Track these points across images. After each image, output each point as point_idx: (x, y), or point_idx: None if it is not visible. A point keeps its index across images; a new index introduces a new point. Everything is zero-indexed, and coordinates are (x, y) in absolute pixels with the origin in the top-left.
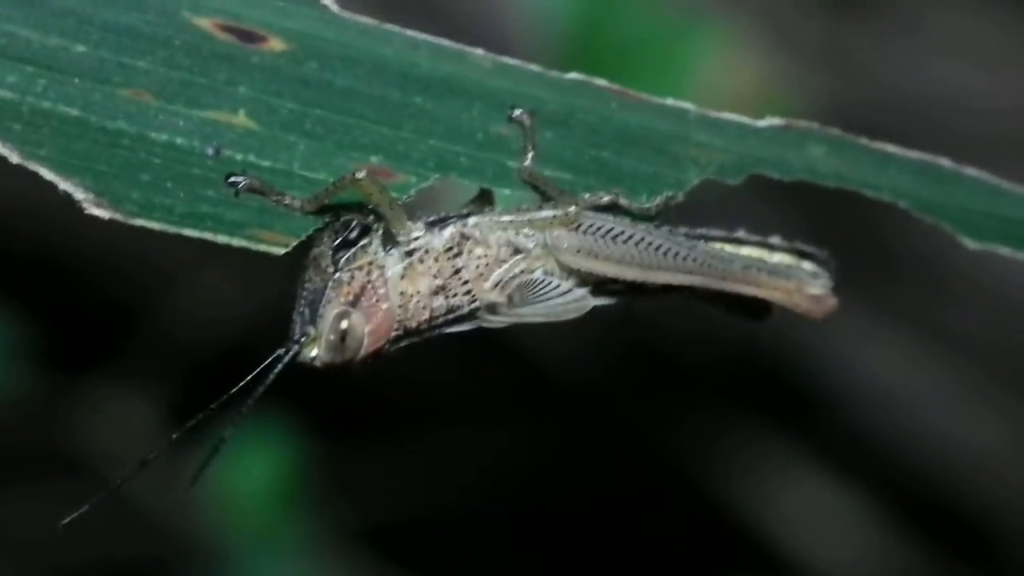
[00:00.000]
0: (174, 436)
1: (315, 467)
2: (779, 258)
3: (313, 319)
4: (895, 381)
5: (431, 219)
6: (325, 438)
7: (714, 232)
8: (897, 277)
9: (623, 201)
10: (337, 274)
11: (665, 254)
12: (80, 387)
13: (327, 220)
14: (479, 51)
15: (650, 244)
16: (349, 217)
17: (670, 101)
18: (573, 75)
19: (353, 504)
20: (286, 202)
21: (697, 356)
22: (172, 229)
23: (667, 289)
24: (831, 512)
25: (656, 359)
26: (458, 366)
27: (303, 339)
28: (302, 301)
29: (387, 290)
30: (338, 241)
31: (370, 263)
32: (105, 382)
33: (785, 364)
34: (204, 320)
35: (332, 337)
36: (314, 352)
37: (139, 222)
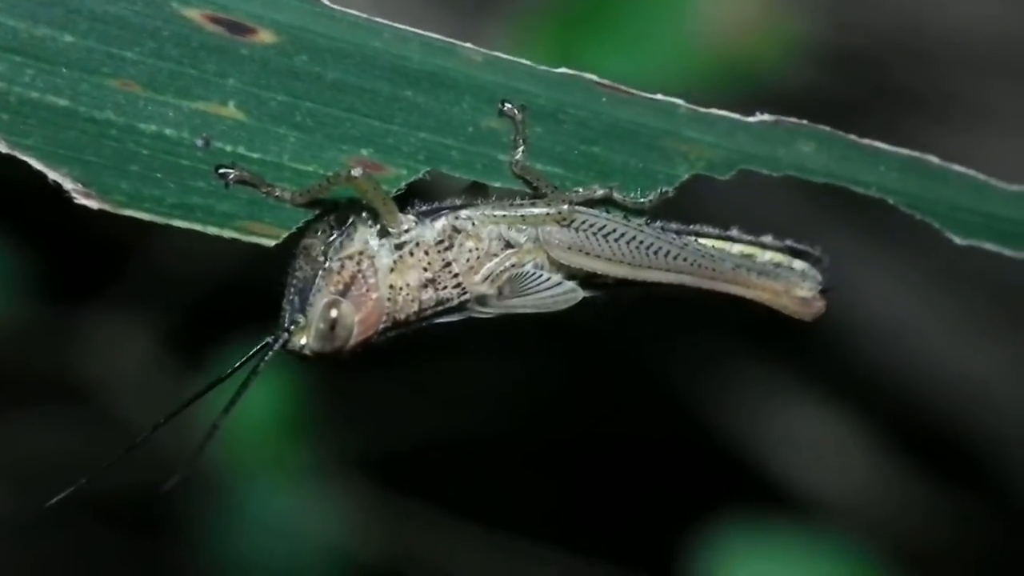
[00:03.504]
0: (160, 422)
1: (318, 397)
2: (770, 256)
3: (303, 308)
4: (896, 310)
5: (423, 208)
6: (328, 367)
7: (707, 229)
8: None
9: (617, 196)
10: (327, 263)
11: (656, 253)
12: (76, 315)
13: (319, 212)
14: (469, 45)
15: (641, 243)
16: (340, 208)
17: (660, 96)
18: (563, 70)
19: (356, 434)
20: (276, 194)
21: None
22: (161, 220)
23: (657, 284)
24: (832, 442)
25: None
26: None
27: (292, 327)
28: (292, 290)
29: (377, 279)
30: (329, 231)
31: (360, 252)
32: (101, 310)
33: None
34: (197, 253)
35: (322, 325)
36: (303, 340)
37: (128, 212)
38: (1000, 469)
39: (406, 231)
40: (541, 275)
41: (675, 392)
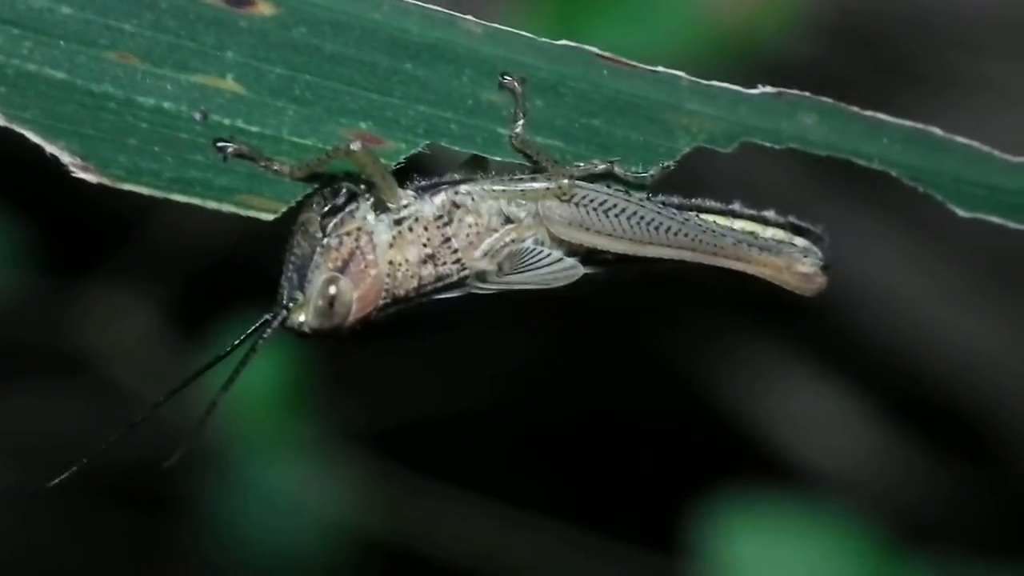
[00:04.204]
0: (161, 400)
1: (319, 370)
2: (772, 232)
3: (301, 285)
4: (896, 282)
5: (422, 183)
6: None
7: (708, 204)
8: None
9: (618, 170)
10: (325, 240)
11: (657, 228)
12: (76, 288)
13: (317, 187)
14: (469, 17)
15: (642, 218)
16: (338, 183)
17: (661, 69)
18: (564, 42)
19: (358, 407)
20: (275, 168)
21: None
22: (160, 194)
23: (658, 260)
24: (832, 415)
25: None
26: None
27: (291, 304)
28: (290, 267)
29: (376, 256)
30: (326, 207)
31: (358, 229)
32: (100, 283)
33: None
34: (198, 226)
35: (320, 303)
36: (302, 318)
37: (127, 186)
38: (1001, 441)
39: (405, 206)
40: (541, 251)
41: (675, 365)
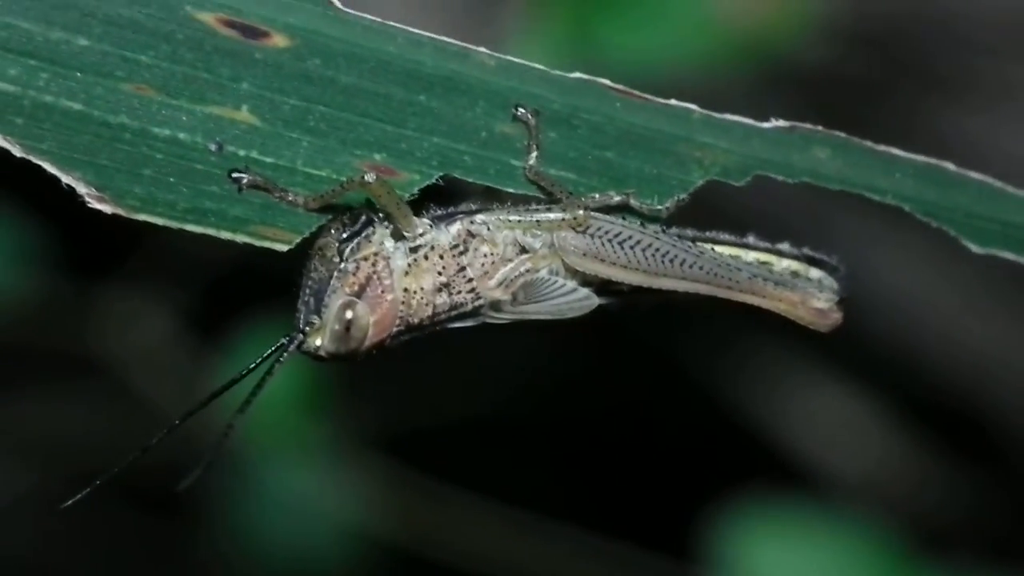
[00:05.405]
0: (176, 423)
1: (336, 374)
2: (786, 264)
3: (318, 309)
4: (913, 286)
5: (438, 213)
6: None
7: (723, 236)
8: None
9: (634, 202)
10: (343, 264)
11: (671, 261)
12: (94, 291)
13: (332, 216)
14: (483, 50)
15: (657, 250)
16: (356, 210)
17: (674, 102)
18: (577, 74)
19: (374, 412)
20: (289, 199)
21: None
22: (175, 225)
23: (673, 292)
24: (849, 420)
25: None
26: None
27: (308, 328)
28: (307, 291)
29: (392, 281)
30: (344, 232)
31: (375, 254)
32: (118, 286)
33: None
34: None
35: (337, 327)
36: (318, 342)
37: (142, 217)
38: (1019, 446)
39: (421, 235)
40: (556, 281)
41: (692, 371)
